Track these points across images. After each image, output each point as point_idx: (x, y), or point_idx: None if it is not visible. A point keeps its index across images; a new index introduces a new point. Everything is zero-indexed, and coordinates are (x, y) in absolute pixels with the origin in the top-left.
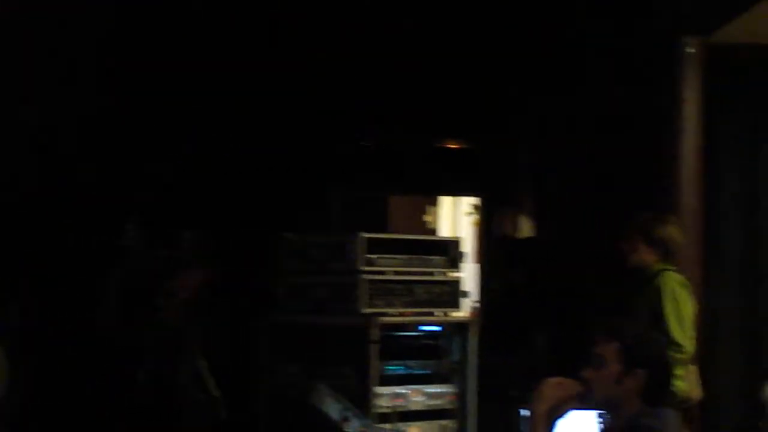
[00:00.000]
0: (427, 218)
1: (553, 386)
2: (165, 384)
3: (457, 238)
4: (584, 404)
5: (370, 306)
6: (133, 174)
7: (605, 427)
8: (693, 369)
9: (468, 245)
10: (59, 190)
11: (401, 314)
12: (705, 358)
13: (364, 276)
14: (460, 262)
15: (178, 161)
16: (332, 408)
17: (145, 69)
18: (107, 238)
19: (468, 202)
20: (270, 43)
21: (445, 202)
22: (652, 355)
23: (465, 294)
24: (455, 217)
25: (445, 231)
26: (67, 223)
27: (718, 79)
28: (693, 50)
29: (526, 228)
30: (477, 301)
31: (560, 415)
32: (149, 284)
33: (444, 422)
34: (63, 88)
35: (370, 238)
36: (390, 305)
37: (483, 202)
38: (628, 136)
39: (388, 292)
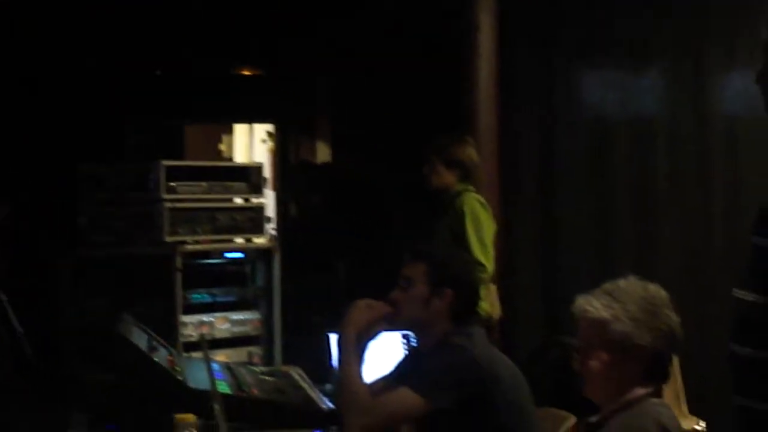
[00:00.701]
0: (222, 147)
1: (362, 309)
2: None
3: (259, 163)
4: (393, 326)
5: (173, 234)
6: None
7: (413, 347)
8: (493, 288)
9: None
10: None
11: (205, 242)
12: (505, 277)
13: (166, 204)
14: (263, 187)
15: None
16: (139, 339)
17: None
18: None
19: (263, 129)
20: None
21: (240, 130)
22: (459, 275)
23: (268, 220)
24: (250, 145)
25: (240, 159)
26: None
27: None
28: None
29: (323, 153)
30: (274, 229)
31: (370, 338)
32: None
33: (251, 349)
34: None
35: (170, 166)
36: (193, 233)
37: (278, 128)
38: (426, 60)
39: (190, 220)
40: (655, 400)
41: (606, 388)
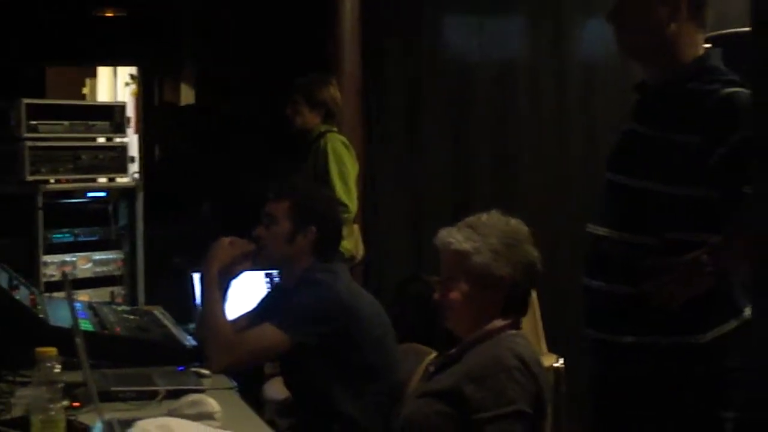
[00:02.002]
0: (85, 90)
1: (225, 246)
2: None
3: (122, 102)
4: (257, 263)
5: (34, 174)
6: None
7: (277, 284)
8: (356, 228)
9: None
10: None
11: (67, 181)
12: (368, 217)
13: (27, 143)
14: (126, 127)
15: None
16: (0, 278)
17: None
18: None
19: (127, 72)
20: None
21: (104, 73)
22: (322, 212)
23: (132, 159)
24: (114, 89)
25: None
26: None
27: None
28: None
29: (187, 96)
30: (137, 172)
31: (234, 275)
32: None
33: (114, 288)
34: None
35: (31, 104)
36: (55, 172)
37: (141, 71)
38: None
39: (52, 158)
40: (512, 331)
41: (466, 319)
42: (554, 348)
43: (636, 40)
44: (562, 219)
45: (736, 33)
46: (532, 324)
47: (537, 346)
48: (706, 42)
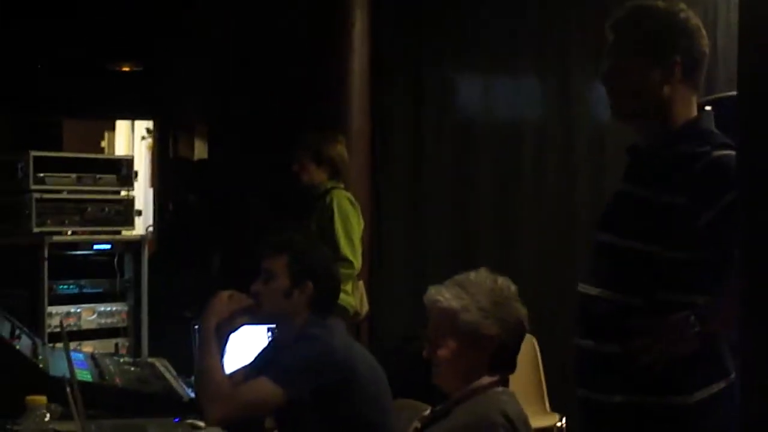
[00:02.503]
0: (103, 143)
1: (224, 300)
2: None
3: (129, 156)
4: (255, 318)
5: (41, 225)
6: None
7: (274, 338)
8: (361, 284)
9: (143, 168)
10: None
11: (73, 233)
12: (374, 273)
13: (34, 195)
14: (133, 180)
15: None
16: (2, 326)
17: None
18: None
19: (143, 127)
20: None
21: (122, 127)
22: (319, 268)
23: (138, 213)
24: (131, 142)
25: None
26: None
27: (384, 4)
28: None
29: (199, 151)
30: (151, 225)
31: (232, 329)
32: None
33: (118, 340)
34: None
35: (38, 157)
36: (61, 224)
37: (157, 125)
38: (302, 60)
39: (59, 210)
40: (499, 389)
41: (454, 376)
42: (557, 407)
43: (629, 102)
44: (568, 279)
45: (730, 96)
46: (536, 382)
47: (538, 404)
48: (702, 104)
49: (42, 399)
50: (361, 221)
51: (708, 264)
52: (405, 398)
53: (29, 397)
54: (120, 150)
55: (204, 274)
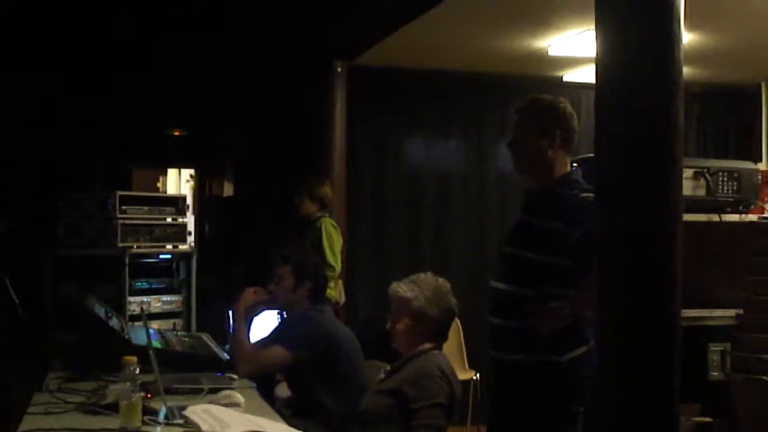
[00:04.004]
0: (159, 184)
1: (249, 293)
2: None
3: (183, 194)
4: (271, 306)
5: (123, 241)
6: None
7: (284, 319)
8: (339, 282)
9: (188, 201)
10: None
11: (145, 247)
12: (349, 274)
13: (119, 221)
14: (186, 211)
15: None
16: (99, 311)
17: None
18: None
19: (187, 173)
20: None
21: (172, 173)
22: (313, 271)
23: (189, 233)
24: (179, 184)
25: (171, 192)
26: None
27: (358, 88)
28: (340, 69)
29: (228, 190)
30: (193, 242)
31: (255, 314)
32: None
33: (175, 321)
34: None
35: (122, 195)
36: (137, 241)
37: (198, 172)
38: (300, 127)
39: (135, 232)
40: (436, 352)
41: (406, 343)
42: (473, 365)
43: (524, 161)
44: (483, 279)
45: (591, 157)
46: (458, 348)
47: (460, 364)
48: (573, 162)
49: (133, 359)
50: (341, 239)
51: (575, 268)
52: (371, 359)
53: (125, 357)
54: (170, 189)
55: (231, 276)
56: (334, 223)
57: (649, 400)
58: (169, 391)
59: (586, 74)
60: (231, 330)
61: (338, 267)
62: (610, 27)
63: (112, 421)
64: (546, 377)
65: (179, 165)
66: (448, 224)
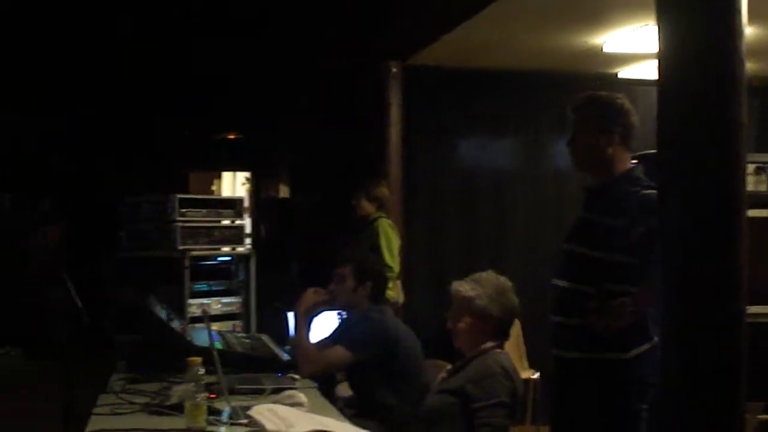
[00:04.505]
0: (213, 188)
1: (310, 294)
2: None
3: (241, 197)
4: (332, 307)
5: (183, 244)
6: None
7: (345, 319)
8: (398, 283)
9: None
10: None
11: (204, 249)
12: (407, 274)
13: (179, 224)
14: (243, 214)
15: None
16: (161, 313)
17: None
18: None
19: (243, 176)
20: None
21: (227, 176)
22: (374, 272)
23: (247, 235)
24: (234, 187)
25: (227, 195)
26: None
27: (413, 88)
28: (395, 70)
29: (283, 192)
30: (250, 244)
31: (316, 314)
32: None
33: (234, 322)
34: None
35: (181, 198)
36: (196, 243)
37: (253, 175)
38: (355, 128)
39: (195, 234)
40: (498, 350)
41: (468, 341)
42: (533, 364)
43: (584, 159)
44: (540, 277)
45: (652, 153)
46: (518, 348)
47: (520, 363)
48: (633, 159)
49: (198, 359)
50: (398, 239)
51: (637, 265)
52: (431, 359)
53: (190, 358)
54: (225, 192)
55: (286, 278)
56: (392, 224)
57: (713, 397)
58: (232, 392)
59: (642, 71)
60: (290, 331)
61: (396, 267)
62: (673, 22)
63: (178, 422)
64: (609, 374)
65: (234, 168)
66: (504, 222)
